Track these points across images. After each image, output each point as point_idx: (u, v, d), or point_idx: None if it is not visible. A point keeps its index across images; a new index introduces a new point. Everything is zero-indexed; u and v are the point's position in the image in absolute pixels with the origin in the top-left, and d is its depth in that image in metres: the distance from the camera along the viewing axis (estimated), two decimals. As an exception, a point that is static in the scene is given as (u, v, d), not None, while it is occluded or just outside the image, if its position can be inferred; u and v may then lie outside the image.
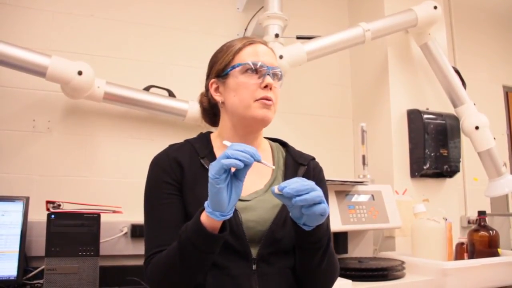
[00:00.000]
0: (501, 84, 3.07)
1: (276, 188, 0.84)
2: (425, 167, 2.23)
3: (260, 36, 2.16)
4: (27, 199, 1.62)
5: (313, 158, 1.14)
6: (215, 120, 1.13)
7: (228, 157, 0.79)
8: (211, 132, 1.13)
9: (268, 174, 1.06)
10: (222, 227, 0.85)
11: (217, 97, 1.06)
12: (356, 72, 2.63)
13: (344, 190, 1.82)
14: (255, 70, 1.01)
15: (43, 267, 1.52)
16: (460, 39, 2.90)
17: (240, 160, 0.79)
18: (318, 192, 0.83)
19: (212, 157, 1.03)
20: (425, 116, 2.27)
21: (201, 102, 1.14)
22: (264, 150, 1.12)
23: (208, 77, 1.10)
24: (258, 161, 0.83)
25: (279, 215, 0.98)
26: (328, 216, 0.92)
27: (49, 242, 1.50)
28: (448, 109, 2.35)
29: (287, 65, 1.98)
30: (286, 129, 2.38)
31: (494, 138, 2.19)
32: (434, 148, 2.25)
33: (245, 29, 2.35)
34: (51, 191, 1.84)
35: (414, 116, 2.31)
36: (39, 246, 1.65)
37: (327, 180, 1.70)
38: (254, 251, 0.95)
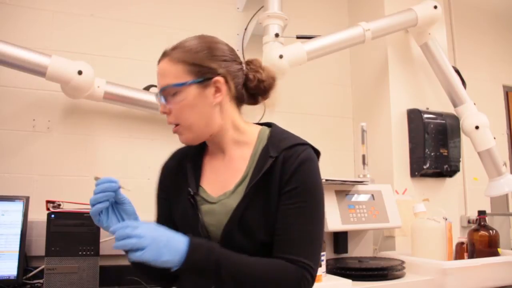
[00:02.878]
0: (501, 84, 3.07)
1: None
2: (425, 167, 2.23)
3: (260, 35, 2.16)
4: (27, 199, 1.62)
5: (292, 146, 0.96)
6: None
7: (92, 205, 0.88)
8: None
9: (241, 171, 0.98)
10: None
11: None
12: (356, 71, 2.63)
13: (344, 189, 1.82)
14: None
15: (43, 266, 1.52)
16: (460, 39, 2.90)
17: (101, 201, 0.87)
18: (132, 240, 0.81)
19: (196, 161, 1.05)
20: (425, 115, 2.27)
21: None
22: (242, 144, 1.01)
23: None
24: (119, 188, 0.89)
25: (231, 219, 0.92)
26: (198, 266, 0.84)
27: (49, 241, 1.50)
28: (448, 108, 2.35)
29: (287, 64, 1.98)
30: (286, 128, 2.37)
31: (494, 138, 2.19)
32: (434, 147, 2.25)
33: (245, 29, 2.35)
34: (51, 191, 1.84)
35: (414, 116, 2.31)
36: (39, 245, 1.65)
37: (327, 180, 1.71)
38: None
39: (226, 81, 0.97)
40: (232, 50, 1.03)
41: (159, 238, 0.82)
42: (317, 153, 1.00)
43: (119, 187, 0.89)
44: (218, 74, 0.96)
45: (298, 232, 0.90)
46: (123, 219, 0.90)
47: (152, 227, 0.85)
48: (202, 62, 0.96)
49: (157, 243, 0.81)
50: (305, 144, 0.97)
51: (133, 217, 0.91)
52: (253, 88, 1.03)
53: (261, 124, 1.07)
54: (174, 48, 1.00)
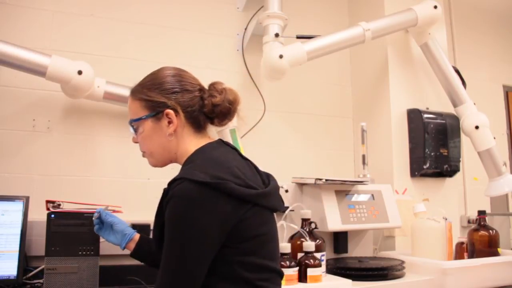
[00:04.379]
0: (501, 83, 3.07)
1: None
2: (425, 167, 2.23)
3: (260, 35, 2.17)
4: (27, 198, 1.62)
5: (174, 180, 0.93)
6: None
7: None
8: None
9: None
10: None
11: None
12: (356, 71, 2.63)
13: (344, 189, 1.82)
14: None
15: (43, 266, 1.52)
16: (460, 39, 2.90)
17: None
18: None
19: None
20: (425, 115, 2.27)
21: None
22: None
23: None
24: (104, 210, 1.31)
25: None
26: None
27: (49, 241, 1.50)
28: (448, 108, 2.35)
29: (287, 64, 1.98)
30: (286, 129, 2.38)
31: (494, 138, 2.19)
32: (434, 147, 2.25)
33: (245, 29, 2.35)
34: (51, 191, 1.84)
35: (414, 116, 2.31)
36: (39, 245, 1.65)
37: (327, 180, 1.71)
38: None
39: (177, 112, 1.05)
40: (186, 79, 1.10)
41: None
42: (208, 185, 0.90)
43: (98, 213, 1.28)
44: (168, 107, 1.05)
45: (160, 269, 0.91)
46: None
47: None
48: (153, 98, 1.07)
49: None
50: (184, 178, 0.91)
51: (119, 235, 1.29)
52: (208, 113, 1.09)
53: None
54: (135, 86, 1.13)
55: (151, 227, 1.38)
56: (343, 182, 1.80)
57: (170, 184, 0.94)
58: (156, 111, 1.06)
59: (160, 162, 1.12)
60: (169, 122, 1.06)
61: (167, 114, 1.05)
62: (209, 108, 1.08)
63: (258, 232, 0.98)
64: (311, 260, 1.49)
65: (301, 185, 1.88)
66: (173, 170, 1.05)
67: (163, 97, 1.06)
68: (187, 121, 1.07)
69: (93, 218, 1.28)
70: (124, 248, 1.27)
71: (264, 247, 1.00)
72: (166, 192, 0.95)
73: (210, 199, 0.90)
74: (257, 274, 0.96)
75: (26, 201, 1.61)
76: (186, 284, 0.90)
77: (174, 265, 0.90)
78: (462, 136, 2.32)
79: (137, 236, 1.29)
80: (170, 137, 1.06)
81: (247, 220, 0.95)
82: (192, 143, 1.07)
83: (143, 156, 1.15)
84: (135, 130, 1.11)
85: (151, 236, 1.21)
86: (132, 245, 1.27)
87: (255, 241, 0.97)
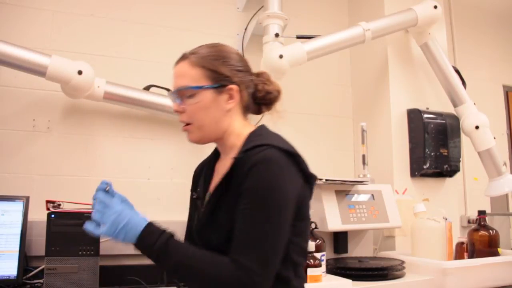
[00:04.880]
0: (501, 83, 3.07)
1: None
2: (425, 167, 2.23)
3: (260, 35, 2.17)
4: (27, 198, 1.62)
5: (255, 146, 0.94)
6: None
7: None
8: None
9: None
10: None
11: None
12: (356, 71, 2.63)
13: (344, 189, 1.82)
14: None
15: (43, 266, 1.52)
16: (460, 39, 2.90)
17: (94, 213, 0.96)
18: (96, 215, 0.96)
19: (210, 165, 1.14)
20: (425, 115, 2.27)
21: None
22: (238, 149, 1.02)
23: None
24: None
25: (203, 215, 1.03)
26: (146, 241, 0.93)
27: (49, 241, 1.50)
28: (448, 108, 2.35)
29: (287, 64, 1.98)
30: (286, 128, 2.36)
31: (494, 138, 2.19)
32: (434, 147, 2.25)
33: (245, 29, 2.35)
34: (51, 191, 1.84)
35: (414, 116, 2.31)
36: (39, 245, 1.65)
37: (327, 180, 1.71)
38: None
39: (240, 90, 1.04)
40: (245, 61, 1.10)
41: (119, 219, 0.92)
42: (292, 154, 0.95)
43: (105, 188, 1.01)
44: (233, 83, 1.03)
45: (242, 235, 0.89)
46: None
47: (119, 210, 0.94)
48: (219, 70, 1.02)
49: (116, 224, 0.92)
50: (269, 145, 0.94)
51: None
52: (260, 98, 1.09)
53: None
54: (194, 53, 1.05)
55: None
56: (343, 182, 1.80)
57: (245, 151, 0.94)
58: (220, 83, 1.02)
59: (206, 138, 1.06)
60: (229, 98, 1.03)
61: (229, 90, 1.03)
62: (263, 94, 1.09)
63: (307, 215, 1.01)
64: (311, 260, 1.49)
65: (301, 185, 1.87)
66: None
67: (230, 72, 1.03)
68: (242, 101, 1.06)
69: (102, 189, 1.01)
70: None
71: (307, 231, 1.04)
72: (239, 161, 0.94)
73: (293, 168, 0.94)
74: (302, 259, 0.99)
75: (26, 201, 1.61)
76: (276, 252, 0.89)
77: (264, 229, 0.88)
78: (462, 136, 2.32)
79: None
80: (226, 113, 1.04)
81: (306, 199, 0.99)
82: (241, 124, 1.06)
83: (186, 129, 1.05)
84: (187, 98, 1.02)
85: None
86: None
87: (305, 223, 1.01)
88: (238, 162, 0.94)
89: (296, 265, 0.97)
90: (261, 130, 1.06)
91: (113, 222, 0.92)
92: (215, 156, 1.15)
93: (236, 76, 1.04)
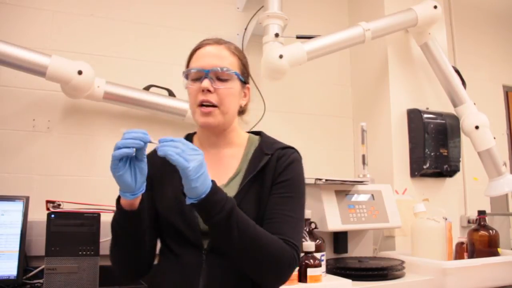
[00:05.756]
0: (501, 83, 3.07)
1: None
2: (425, 167, 2.23)
3: (260, 35, 2.17)
4: (27, 198, 1.62)
5: (286, 147, 1.10)
6: None
7: (118, 148, 0.88)
8: (196, 132, 1.19)
9: (233, 168, 1.09)
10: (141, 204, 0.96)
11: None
12: (356, 71, 2.63)
13: (344, 189, 1.82)
14: (197, 76, 1.04)
15: (43, 266, 1.52)
16: (460, 39, 2.90)
17: (129, 147, 0.87)
18: (173, 148, 0.86)
19: None
20: (425, 115, 2.27)
21: None
22: (235, 146, 1.12)
23: None
24: (149, 141, 0.90)
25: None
26: (219, 197, 0.91)
27: (49, 241, 1.50)
28: (448, 108, 2.35)
29: (287, 64, 1.98)
30: (286, 128, 2.38)
31: (494, 138, 2.19)
32: (434, 147, 2.25)
33: (245, 29, 2.35)
34: (51, 191, 1.84)
35: (414, 116, 2.31)
36: (39, 245, 1.65)
37: (327, 180, 1.71)
38: (206, 243, 1.01)
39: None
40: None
41: (203, 163, 0.88)
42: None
43: (149, 141, 0.90)
44: (247, 83, 1.13)
45: (287, 217, 1.01)
46: (136, 177, 0.91)
47: (202, 154, 0.90)
48: (247, 67, 1.13)
49: (201, 166, 0.87)
50: (294, 149, 1.11)
51: (145, 178, 0.94)
52: (245, 106, 1.15)
53: (250, 133, 1.19)
54: (229, 43, 1.11)
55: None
56: (343, 182, 1.80)
57: (277, 149, 1.07)
58: (245, 79, 1.11)
59: (223, 125, 1.07)
60: (244, 96, 1.12)
61: (247, 88, 1.13)
62: (247, 103, 1.16)
63: None
64: (311, 260, 1.49)
65: (301, 185, 1.88)
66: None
67: (248, 73, 1.14)
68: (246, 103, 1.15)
69: (136, 144, 0.89)
70: (135, 196, 0.95)
71: None
72: (272, 157, 1.05)
73: None
74: None
75: (26, 201, 1.61)
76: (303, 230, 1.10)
77: (301, 213, 1.05)
78: (462, 136, 2.32)
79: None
80: (239, 108, 1.11)
81: None
82: (238, 124, 1.15)
83: (209, 111, 1.03)
84: (220, 80, 1.04)
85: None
86: (136, 202, 0.98)
87: None
88: (271, 159, 1.05)
89: None
90: (268, 135, 1.16)
91: (200, 163, 0.87)
92: None
93: (248, 79, 1.13)
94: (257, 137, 1.16)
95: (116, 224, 0.99)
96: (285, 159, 1.06)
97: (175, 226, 1.02)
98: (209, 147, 1.11)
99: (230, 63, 1.06)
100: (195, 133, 1.19)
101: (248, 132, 1.19)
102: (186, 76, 1.07)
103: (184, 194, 0.93)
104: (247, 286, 1.01)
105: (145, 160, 0.92)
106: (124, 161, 0.90)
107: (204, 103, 1.03)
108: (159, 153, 0.86)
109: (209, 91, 1.02)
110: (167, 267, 1.04)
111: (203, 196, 0.88)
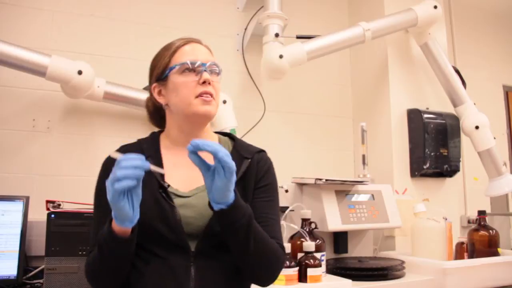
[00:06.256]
0: (501, 83, 3.07)
1: (197, 144, 0.85)
2: (425, 167, 2.23)
3: (260, 35, 2.17)
4: (27, 198, 1.62)
5: (261, 151, 1.13)
6: (162, 122, 1.15)
7: (119, 180, 0.81)
8: (162, 131, 1.15)
9: None
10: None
11: (161, 100, 1.10)
12: (356, 71, 2.63)
13: (344, 189, 1.82)
14: (192, 69, 1.05)
15: (43, 266, 1.52)
16: (460, 39, 2.90)
17: (131, 178, 0.82)
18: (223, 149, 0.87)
19: (157, 157, 1.06)
20: (425, 115, 2.27)
21: (147, 107, 1.18)
22: None
23: (150, 82, 1.13)
24: (148, 169, 0.83)
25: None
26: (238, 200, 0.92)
27: (49, 241, 1.50)
28: (448, 108, 2.35)
29: (287, 64, 1.98)
30: (286, 128, 2.38)
31: (494, 138, 2.19)
32: (434, 147, 2.25)
33: (245, 29, 2.35)
34: (51, 191, 1.84)
35: (414, 116, 2.31)
36: (39, 245, 1.65)
37: (327, 180, 1.71)
38: (193, 245, 0.99)
39: None
40: None
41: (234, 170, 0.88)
42: None
43: (149, 168, 0.84)
44: None
45: (273, 221, 1.06)
46: (133, 204, 0.85)
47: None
48: None
49: (229, 175, 0.86)
50: (264, 151, 1.15)
51: (139, 202, 0.88)
52: None
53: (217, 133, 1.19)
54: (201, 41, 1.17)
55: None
56: (343, 182, 1.80)
57: (255, 153, 1.10)
58: None
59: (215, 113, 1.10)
60: None
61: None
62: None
63: None
64: (311, 260, 1.49)
65: (301, 185, 1.88)
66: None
67: None
68: None
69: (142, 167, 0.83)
70: (133, 224, 0.90)
71: None
72: (253, 160, 1.08)
73: None
74: None
75: (26, 201, 1.61)
76: None
77: (278, 214, 1.10)
78: (462, 136, 2.32)
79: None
80: None
81: None
82: None
83: (209, 101, 1.05)
84: (215, 74, 1.09)
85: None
86: (128, 230, 0.92)
87: None
88: (252, 162, 1.08)
89: None
90: (239, 138, 1.18)
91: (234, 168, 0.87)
92: (155, 147, 1.09)
93: None
94: (227, 138, 1.16)
95: (106, 247, 0.92)
96: (263, 164, 1.10)
97: (158, 231, 0.97)
98: (181, 146, 1.05)
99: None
100: (161, 131, 1.15)
101: (215, 132, 1.18)
102: (170, 69, 1.07)
103: (164, 198, 0.97)
104: (235, 286, 1.03)
105: (141, 184, 0.85)
106: (123, 194, 0.84)
107: (205, 94, 1.04)
108: (213, 153, 0.85)
109: (209, 83, 1.05)
110: (153, 271, 0.99)
111: (231, 201, 0.89)
